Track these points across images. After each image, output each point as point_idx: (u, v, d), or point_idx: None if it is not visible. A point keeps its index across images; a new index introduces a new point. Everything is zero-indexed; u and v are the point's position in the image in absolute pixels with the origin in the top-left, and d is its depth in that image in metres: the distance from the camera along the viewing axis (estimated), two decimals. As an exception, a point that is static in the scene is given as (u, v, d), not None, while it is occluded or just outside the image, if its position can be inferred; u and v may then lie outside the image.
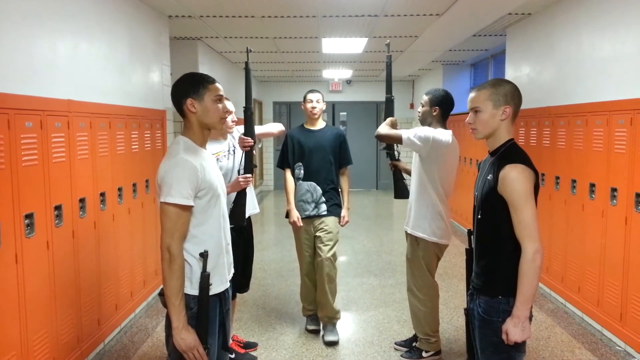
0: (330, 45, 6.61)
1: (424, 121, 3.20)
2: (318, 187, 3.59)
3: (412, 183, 3.23)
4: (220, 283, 2.01)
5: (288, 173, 3.70)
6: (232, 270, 2.15)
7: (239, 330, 3.77)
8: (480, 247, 2.00)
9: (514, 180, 1.80)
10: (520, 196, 1.79)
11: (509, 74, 5.66)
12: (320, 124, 3.75)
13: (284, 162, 3.74)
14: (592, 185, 3.79)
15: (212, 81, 1.99)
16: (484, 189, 1.95)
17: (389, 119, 3.22)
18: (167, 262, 1.82)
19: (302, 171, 3.62)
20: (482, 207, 1.97)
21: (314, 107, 3.67)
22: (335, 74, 10.12)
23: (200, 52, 6.27)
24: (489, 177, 1.91)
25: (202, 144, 2.02)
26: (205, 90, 1.95)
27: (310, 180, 3.60)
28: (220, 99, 1.98)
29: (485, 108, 1.92)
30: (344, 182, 3.76)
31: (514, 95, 1.93)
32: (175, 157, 1.87)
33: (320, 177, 3.61)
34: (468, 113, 2.01)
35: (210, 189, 1.93)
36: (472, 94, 1.98)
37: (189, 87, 1.95)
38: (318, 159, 3.62)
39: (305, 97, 3.72)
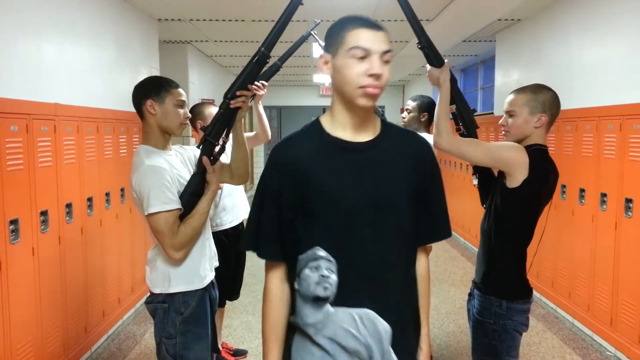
0: (321, 49, 6.58)
1: (409, 126, 3.24)
2: (383, 325, 1.21)
3: None
4: (205, 274, 1.97)
5: (274, 279, 1.47)
6: (216, 263, 2.11)
7: (229, 337, 3.72)
8: (485, 245, 2.00)
9: None
10: None
11: (498, 80, 5.69)
12: (373, 125, 1.34)
13: (261, 240, 1.39)
14: (582, 190, 3.80)
15: (175, 86, 1.96)
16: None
17: None
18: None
19: (334, 276, 1.20)
20: (490, 207, 2.01)
21: (372, 72, 1.21)
22: (326, 78, 10.12)
23: (190, 56, 6.24)
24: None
25: (164, 148, 1.97)
26: (167, 93, 1.93)
27: (357, 303, 1.22)
28: (181, 104, 1.96)
29: (521, 113, 1.91)
30: (422, 278, 1.37)
31: (552, 103, 1.91)
32: (140, 167, 1.83)
33: (387, 289, 1.27)
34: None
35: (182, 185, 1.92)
36: (510, 96, 1.97)
37: (150, 88, 1.93)
38: (379, 231, 1.25)
39: (342, 37, 1.30)
